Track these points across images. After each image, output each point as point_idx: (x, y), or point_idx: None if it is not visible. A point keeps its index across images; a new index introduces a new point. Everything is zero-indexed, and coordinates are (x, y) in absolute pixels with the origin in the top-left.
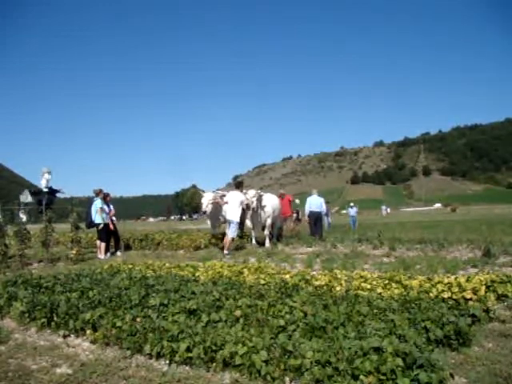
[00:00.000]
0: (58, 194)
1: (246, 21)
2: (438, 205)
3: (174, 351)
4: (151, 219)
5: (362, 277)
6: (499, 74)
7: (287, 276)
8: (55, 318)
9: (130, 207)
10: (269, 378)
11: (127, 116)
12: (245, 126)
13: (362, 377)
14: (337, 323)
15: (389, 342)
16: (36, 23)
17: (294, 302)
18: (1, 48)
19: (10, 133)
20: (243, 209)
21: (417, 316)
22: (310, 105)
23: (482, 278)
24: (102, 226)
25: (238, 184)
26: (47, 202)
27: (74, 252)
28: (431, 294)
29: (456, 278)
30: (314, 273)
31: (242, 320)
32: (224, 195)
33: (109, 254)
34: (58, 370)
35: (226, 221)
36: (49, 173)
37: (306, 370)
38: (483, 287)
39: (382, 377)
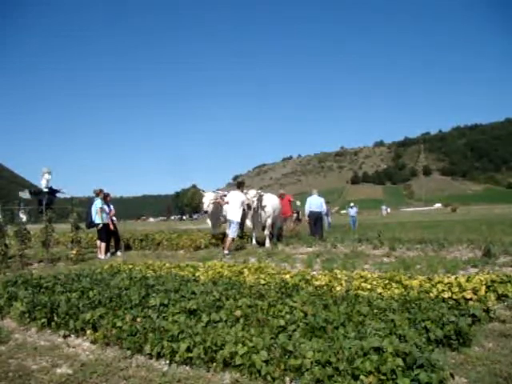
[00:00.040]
0: (58, 194)
1: (246, 21)
2: (438, 205)
3: (174, 351)
4: (151, 219)
5: (362, 277)
6: (499, 73)
7: (287, 276)
8: (55, 318)
9: (130, 207)
10: (269, 378)
11: (127, 116)
12: (245, 126)
13: (362, 377)
14: (337, 323)
15: (389, 342)
16: (36, 23)
17: (294, 302)
18: (1, 48)
19: (10, 133)
20: (244, 209)
21: (417, 316)
22: (310, 105)
23: (483, 278)
24: (101, 226)
25: (239, 184)
26: (47, 202)
27: (74, 252)
28: (431, 294)
29: (456, 278)
30: (314, 273)
31: (242, 320)
32: (225, 195)
33: (109, 254)
34: (59, 370)
35: (226, 221)
36: (49, 173)
37: (307, 370)
38: (483, 287)
39: (382, 377)
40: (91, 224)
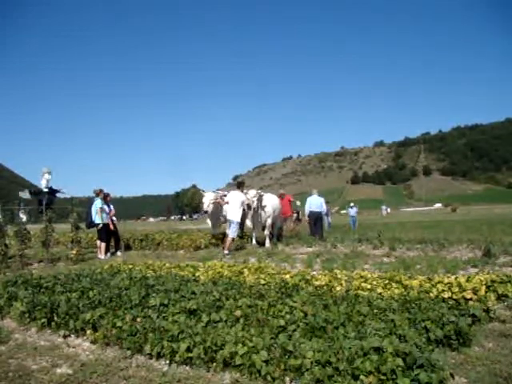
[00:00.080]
0: (58, 194)
1: (246, 21)
2: (438, 205)
3: (174, 351)
4: (151, 219)
5: (362, 277)
6: (499, 73)
7: (287, 276)
8: (55, 318)
9: (130, 207)
10: (269, 378)
11: (127, 116)
12: (245, 126)
13: (362, 377)
14: (337, 323)
15: (389, 342)
16: (36, 23)
17: (294, 302)
18: (1, 48)
19: (10, 133)
20: (244, 209)
21: (417, 316)
22: (310, 105)
23: (483, 278)
24: (100, 226)
25: (239, 184)
26: (47, 202)
27: (74, 252)
28: (431, 294)
29: (456, 278)
30: (314, 273)
31: (242, 320)
32: (225, 195)
33: (109, 254)
34: (59, 370)
35: (226, 221)
36: (49, 173)
37: (307, 370)
38: (483, 287)
39: (382, 377)
40: (91, 224)
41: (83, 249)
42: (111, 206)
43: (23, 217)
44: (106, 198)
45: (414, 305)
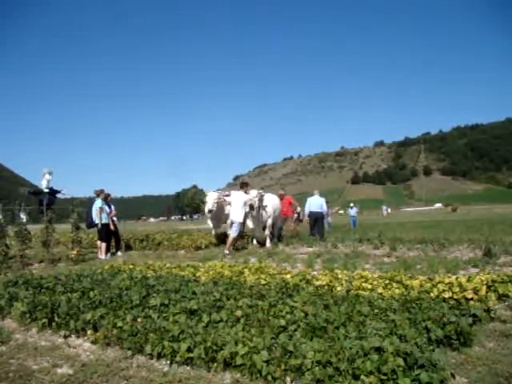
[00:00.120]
0: (58, 195)
1: (246, 21)
2: (438, 205)
3: (174, 351)
4: (152, 219)
5: (362, 277)
6: (499, 73)
7: (288, 276)
8: (56, 319)
9: (130, 207)
10: (270, 378)
11: (127, 116)
12: (245, 126)
13: (362, 377)
14: (338, 323)
15: (390, 342)
16: (36, 23)
17: (295, 302)
18: (1, 48)
19: (11, 133)
20: (246, 209)
21: (418, 316)
22: (310, 105)
23: (483, 278)
24: (99, 226)
25: (242, 184)
26: (48, 202)
27: (75, 252)
28: (432, 294)
29: (457, 278)
30: (315, 273)
31: (242, 320)
32: (228, 195)
33: (109, 255)
34: (59, 371)
35: (226, 221)
36: (50, 173)
37: (307, 370)
38: (484, 287)
39: (382, 377)
40: (91, 224)
41: (84, 249)
42: (112, 207)
43: (24, 217)
44: (106, 199)
45: (414, 305)
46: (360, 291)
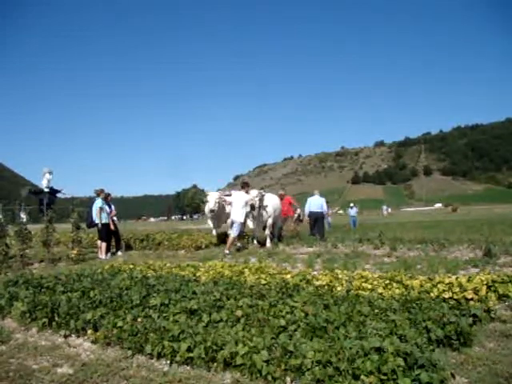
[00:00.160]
0: (58, 195)
1: (246, 21)
2: (438, 205)
3: (174, 351)
4: (152, 219)
5: (362, 277)
6: (499, 73)
7: (288, 276)
8: (56, 318)
9: (130, 207)
10: (270, 378)
11: (127, 116)
12: (245, 126)
13: (362, 377)
14: (338, 323)
15: (390, 342)
16: (36, 23)
17: (295, 302)
18: (1, 48)
19: (11, 133)
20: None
21: (418, 316)
22: (310, 105)
23: (483, 278)
24: (99, 225)
25: (243, 184)
26: (48, 201)
27: (75, 252)
28: (432, 294)
29: (457, 278)
30: (315, 273)
31: (242, 320)
32: (229, 195)
33: (110, 254)
34: (59, 370)
35: (226, 221)
36: (50, 173)
37: (307, 369)
38: (484, 287)
39: (383, 377)
40: (92, 224)
41: (84, 249)
42: (112, 206)
43: (24, 217)
44: (106, 198)
45: (414, 305)
46: (360, 291)
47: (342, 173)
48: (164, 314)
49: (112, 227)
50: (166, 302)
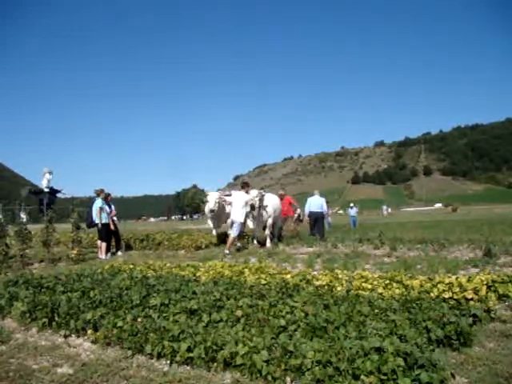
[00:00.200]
0: (58, 195)
1: (246, 21)
2: (438, 205)
3: (174, 351)
4: (152, 219)
5: (362, 277)
6: (499, 73)
7: (288, 276)
8: (56, 318)
9: (130, 207)
10: (270, 378)
11: (127, 116)
12: (245, 126)
13: (362, 377)
14: (338, 323)
15: (390, 342)
16: (36, 23)
17: (295, 302)
18: (1, 48)
19: (11, 133)
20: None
21: (418, 316)
22: (310, 105)
23: (483, 278)
24: (99, 225)
25: (244, 184)
26: (48, 201)
27: (75, 252)
28: (432, 294)
29: (457, 278)
30: (315, 273)
31: (242, 320)
32: (229, 195)
33: (110, 254)
34: (59, 370)
35: (226, 221)
36: (50, 173)
37: (307, 369)
38: (484, 287)
39: (383, 377)
40: (92, 224)
41: (84, 249)
42: (112, 206)
43: (24, 217)
44: (106, 198)
45: (414, 305)
46: (360, 291)
47: (341, 173)
48: (164, 314)
49: (112, 227)
50: (166, 302)
